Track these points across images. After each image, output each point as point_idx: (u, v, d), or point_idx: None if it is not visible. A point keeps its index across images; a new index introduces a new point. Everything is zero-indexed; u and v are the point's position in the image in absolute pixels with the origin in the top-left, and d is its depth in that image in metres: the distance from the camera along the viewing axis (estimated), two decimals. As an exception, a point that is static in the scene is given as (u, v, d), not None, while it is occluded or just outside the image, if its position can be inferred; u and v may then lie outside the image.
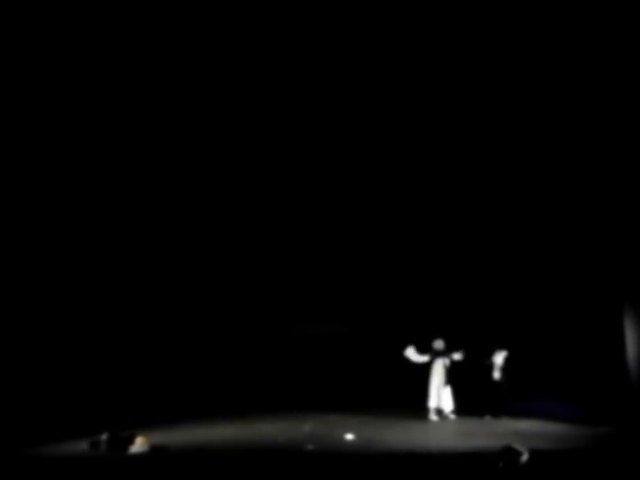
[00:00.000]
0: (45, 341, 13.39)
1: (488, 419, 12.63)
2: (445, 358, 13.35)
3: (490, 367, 13.09)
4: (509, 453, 7.11)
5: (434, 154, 15.12)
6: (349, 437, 11.05)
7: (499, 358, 13.04)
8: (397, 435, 11.36)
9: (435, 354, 13.43)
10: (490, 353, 13.24)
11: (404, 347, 14.06)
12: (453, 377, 13.33)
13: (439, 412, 13.06)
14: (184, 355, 15.01)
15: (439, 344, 13.44)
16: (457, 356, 13.33)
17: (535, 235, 13.60)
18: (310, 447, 10.33)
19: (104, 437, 10.53)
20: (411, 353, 13.48)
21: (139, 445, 10.48)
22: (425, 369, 13.41)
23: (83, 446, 10.71)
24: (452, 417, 13.01)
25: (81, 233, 13.84)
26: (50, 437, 11.36)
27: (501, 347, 13.22)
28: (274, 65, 13.02)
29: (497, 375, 12.97)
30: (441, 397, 13.15)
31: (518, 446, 8.08)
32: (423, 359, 13.45)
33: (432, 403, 13.20)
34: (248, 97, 13.77)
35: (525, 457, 7.22)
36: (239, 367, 15.36)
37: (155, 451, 10.42)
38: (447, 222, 15.37)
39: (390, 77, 13.64)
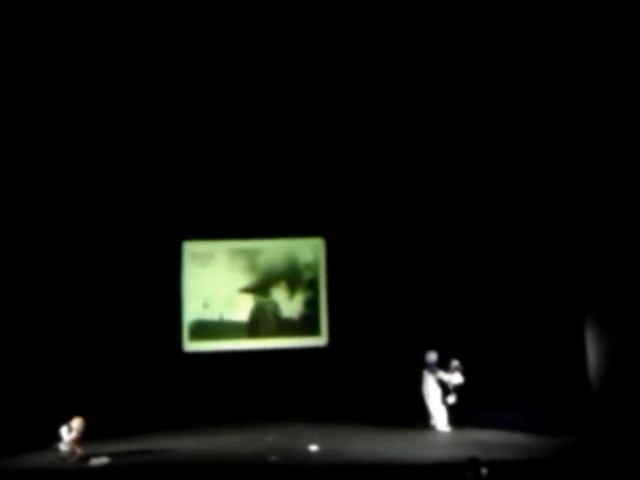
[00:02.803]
0: (17, 350, 13.26)
1: (450, 429, 12.60)
2: (438, 372, 12.77)
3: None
4: (474, 464, 7.13)
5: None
6: (313, 447, 10.98)
7: (455, 377, 12.83)
8: (362, 445, 11.30)
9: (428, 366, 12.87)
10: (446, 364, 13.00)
11: (371, 356, 14.21)
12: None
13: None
14: (146, 365, 14.82)
15: (432, 356, 12.91)
16: (457, 378, 12.70)
17: (496, 244, 13.71)
18: (273, 458, 10.27)
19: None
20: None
21: (75, 425, 10.49)
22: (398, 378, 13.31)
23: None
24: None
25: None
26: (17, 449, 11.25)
27: (453, 355, 12.94)
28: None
29: (451, 397, 12.78)
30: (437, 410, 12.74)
31: (481, 458, 8.10)
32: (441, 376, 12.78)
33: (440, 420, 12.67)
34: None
35: (484, 471, 7.23)
36: (200, 377, 15.22)
37: (116, 464, 10.29)
38: (403, 226, 15.54)
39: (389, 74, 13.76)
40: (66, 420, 10.65)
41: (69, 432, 10.49)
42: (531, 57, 12.54)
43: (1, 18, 11.71)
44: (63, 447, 10.44)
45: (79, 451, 10.45)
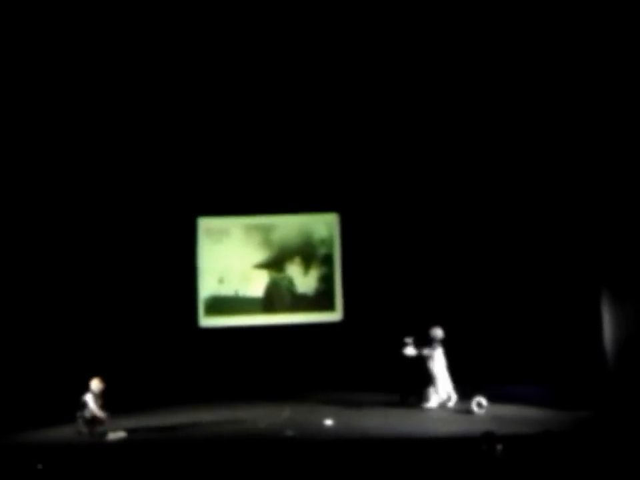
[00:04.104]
0: (23, 327, 13.38)
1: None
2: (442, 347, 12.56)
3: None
4: (489, 438, 7.14)
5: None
6: (328, 422, 11.04)
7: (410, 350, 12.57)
8: (377, 419, 11.37)
9: (437, 343, 12.58)
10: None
11: (385, 331, 14.20)
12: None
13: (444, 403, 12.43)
14: (162, 340, 14.92)
15: (437, 332, 12.61)
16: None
17: (512, 219, 13.64)
18: (289, 432, 10.33)
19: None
20: (410, 351, 12.61)
21: (94, 385, 10.74)
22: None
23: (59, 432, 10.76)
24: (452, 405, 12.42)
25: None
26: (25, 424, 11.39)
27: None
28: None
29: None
30: (447, 387, 12.47)
31: (496, 432, 8.11)
32: (424, 352, 12.50)
33: (444, 394, 12.41)
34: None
35: (499, 447, 7.23)
36: (215, 352, 15.31)
37: (132, 439, 10.39)
38: (418, 201, 15.53)
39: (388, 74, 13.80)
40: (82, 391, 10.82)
41: (94, 398, 10.68)
42: (534, 55, 12.56)
43: (1, 18, 11.80)
44: (87, 414, 10.60)
45: (101, 416, 10.63)
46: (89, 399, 10.67)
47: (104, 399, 10.87)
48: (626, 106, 11.62)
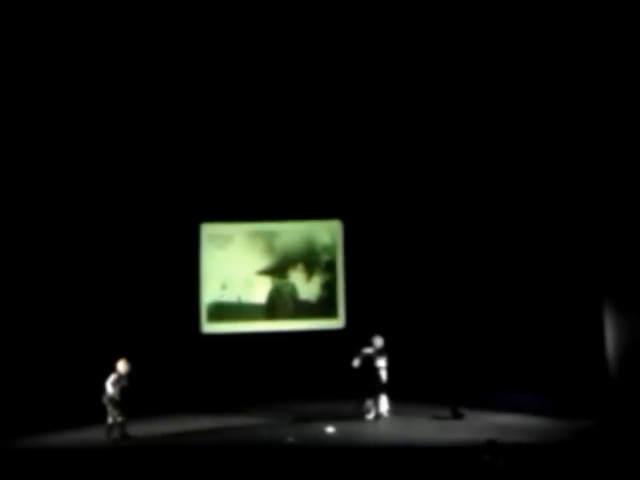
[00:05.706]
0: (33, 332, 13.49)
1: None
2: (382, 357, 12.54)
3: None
4: (493, 447, 7.15)
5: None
6: (330, 429, 11.06)
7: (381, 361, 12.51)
8: (379, 427, 11.39)
9: (377, 352, 12.58)
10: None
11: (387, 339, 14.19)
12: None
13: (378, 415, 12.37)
14: (165, 346, 14.92)
15: (378, 341, 12.68)
16: (381, 362, 12.52)
17: (515, 228, 13.64)
18: (291, 439, 10.33)
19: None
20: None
21: (120, 366, 10.97)
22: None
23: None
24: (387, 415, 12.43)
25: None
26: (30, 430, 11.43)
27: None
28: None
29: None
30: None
31: (499, 441, 8.11)
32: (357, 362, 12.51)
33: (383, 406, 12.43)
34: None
35: (502, 462, 7.21)
36: (217, 358, 15.31)
37: (135, 444, 10.41)
38: (421, 209, 15.50)
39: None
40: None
41: (115, 378, 10.83)
42: (534, 57, 12.57)
43: (1, 18, 11.88)
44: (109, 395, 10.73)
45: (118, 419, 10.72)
46: (109, 380, 10.79)
47: (128, 381, 11.05)
48: (627, 112, 11.66)
